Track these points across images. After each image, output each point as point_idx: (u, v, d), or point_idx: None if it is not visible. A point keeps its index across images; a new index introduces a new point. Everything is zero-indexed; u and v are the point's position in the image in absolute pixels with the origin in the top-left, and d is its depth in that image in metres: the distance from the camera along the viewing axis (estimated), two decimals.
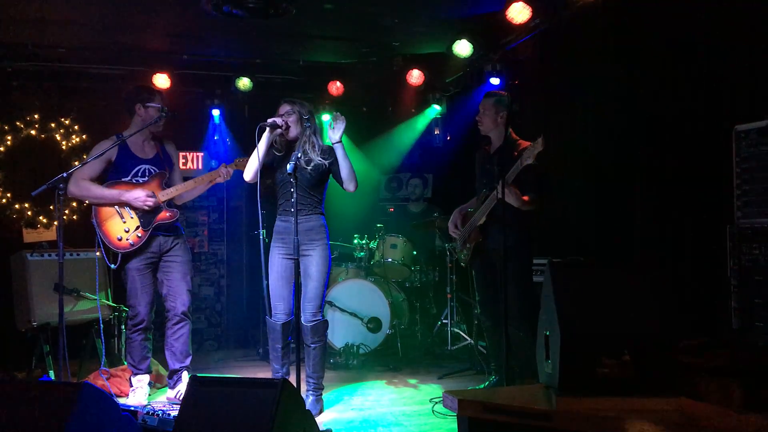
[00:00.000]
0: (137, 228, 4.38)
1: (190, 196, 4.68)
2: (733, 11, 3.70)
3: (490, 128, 4.45)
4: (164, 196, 4.45)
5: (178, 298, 4.52)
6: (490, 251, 4.35)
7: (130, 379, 4.55)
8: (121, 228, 4.36)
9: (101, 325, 4.77)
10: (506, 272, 3.82)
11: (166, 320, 4.58)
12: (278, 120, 4.14)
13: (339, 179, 4.26)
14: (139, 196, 4.32)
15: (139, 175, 4.46)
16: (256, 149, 4.11)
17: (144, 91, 4.52)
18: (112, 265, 4.37)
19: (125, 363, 5.03)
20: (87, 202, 4.54)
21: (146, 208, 4.34)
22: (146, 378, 4.51)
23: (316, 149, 4.21)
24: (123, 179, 4.42)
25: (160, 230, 4.47)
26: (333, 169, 4.25)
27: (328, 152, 4.24)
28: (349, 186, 4.23)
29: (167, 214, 4.47)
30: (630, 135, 4.51)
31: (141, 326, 4.44)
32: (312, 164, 4.16)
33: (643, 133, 4.39)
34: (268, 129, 4.10)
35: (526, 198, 4.13)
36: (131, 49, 6.12)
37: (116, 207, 4.38)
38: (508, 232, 4.18)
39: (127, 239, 4.36)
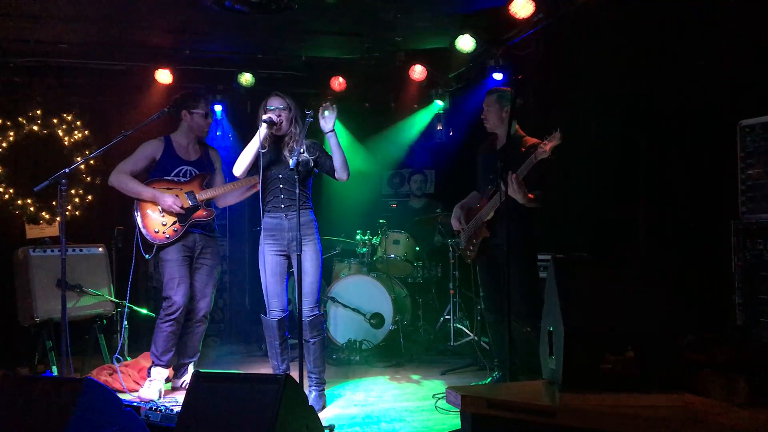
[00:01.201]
0: (174, 223, 4.52)
1: (233, 198, 4.80)
2: (736, 6, 3.68)
3: (497, 125, 4.41)
4: (203, 195, 4.60)
5: (202, 301, 4.68)
6: (496, 247, 4.32)
7: (149, 369, 4.58)
8: (159, 222, 4.51)
9: (124, 322, 4.85)
10: (509, 268, 3.80)
11: (186, 318, 4.67)
12: (274, 117, 4.13)
13: (330, 170, 4.25)
14: (166, 200, 4.46)
15: (181, 175, 4.63)
16: (248, 145, 4.14)
17: (189, 98, 4.69)
18: (147, 255, 4.49)
19: (128, 359, 5.04)
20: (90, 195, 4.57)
21: (172, 212, 4.49)
22: (165, 372, 4.54)
23: (305, 145, 4.19)
24: (165, 177, 4.59)
25: (197, 228, 4.62)
26: (319, 161, 4.25)
27: (313, 147, 4.25)
28: (342, 175, 4.24)
29: (204, 213, 4.61)
30: (633, 130, 4.49)
31: (174, 316, 4.49)
32: (304, 161, 4.14)
33: (647, 129, 4.38)
34: (266, 126, 4.09)
35: (531, 196, 4.10)
36: (133, 45, 6.11)
37: None
38: (514, 227, 4.16)
39: (163, 232, 4.50)
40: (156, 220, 4.52)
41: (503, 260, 4.16)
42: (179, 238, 4.53)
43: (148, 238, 4.50)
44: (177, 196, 4.53)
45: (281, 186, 4.20)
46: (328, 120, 4.11)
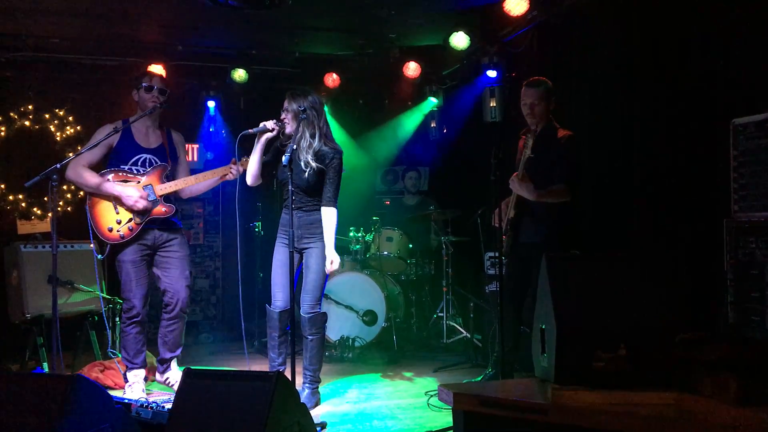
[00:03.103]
0: (130, 220, 4.26)
1: (197, 190, 4.54)
2: (731, 4, 3.68)
3: (543, 119, 4.15)
4: (162, 190, 4.32)
5: (177, 295, 4.45)
6: (521, 245, 4.21)
7: (125, 373, 4.47)
8: (113, 219, 4.25)
9: (108, 317, 4.78)
10: (505, 264, 3.78)
11: (163, 313, 4.53)
12: (269, 124, 4.08)
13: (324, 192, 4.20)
14: (131, 194, 4.21)
15: (139, 164, 4.34)
16: (252, 154, 4.12)
17: (141, 76, 4.43)
18: (99, 255, 4.29)
19: (119, 355, 5.01)
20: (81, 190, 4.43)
21: (136, 209, 4.24)
22: (142, 372, 4.45)
23: (313, 149, 4.09)
24: (122, 167, 4.30)
25: (155, 224, 4.35)
26: (326, 174, 4.15)
27: (323, 157, 4.11)
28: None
29: (163, 209, 4.34)
30: (627, 128, 4.49)
31: (136, 319, 4.35)
32: (309, 168, 4.08)
33: (640, 126, 4.38)
34: (259, 133, 4.08)
35: (557, 189, 4.00)
36: (126, 40, 6.09)
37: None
38: (539, 227, 4.11)
39: (117, 231, 4.25)
40: (109, 217, 4.24)
41: (527, 260, 4.13)
42: (136, 237, 4.28)
43: (100, 237, 4.22)
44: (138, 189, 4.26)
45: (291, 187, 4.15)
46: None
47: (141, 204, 4.22)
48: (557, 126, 4.20)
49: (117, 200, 4.25)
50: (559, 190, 4.02)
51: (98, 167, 4.31)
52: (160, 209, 4.34)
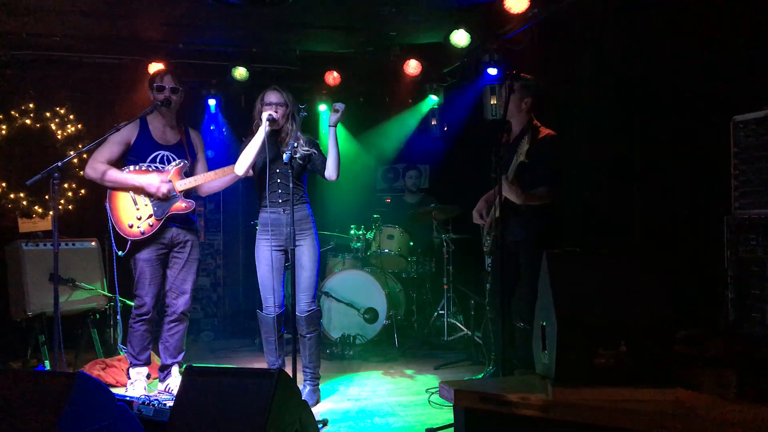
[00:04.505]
0: (150, 216, 4.25)
1: (217, 186, 4.53)
2: (731, 1, 3.68)
3: (513, 113, 4.25)
4: (182, 185, 4.31)
5: (181, 298, 4.43)
6: (508, 244, 4.20)
7: (128, 370, 4.46)
8: (134, 215, 4.24)
9: (119, 315, 4.75)
10: (504, 264, 3.78)
11: (164, 315, 4.50)
12: (273, 114, 4.09)
13: (321, 167, 4.20)
14: (152, 181, 4.19)
15: (158, 161, 4.33)
16: (249, 143, 4.08)
17: (153, 77, 4.42)
18: (120, 252, 4.24)
19: (121, 353, 5.01)
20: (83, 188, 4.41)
21: (160, 195, 4.22)
22: (145, 370, 4.44)
23: (302, 140, 4.18)
24: (141, 164, 4.29)
25: (175, 221, 4.34)
26: (313, 157, 4.22)
27: (309, 143, 4.23)
28: (332, 174, 4.16)
29: (183, 205, 4.33)
30: (628, 125, 4.49)
31: (146, 317, 4.33)
32: (298, 155, 4.13)
33: (641, 123, 4.38)
34: (267, 123, 4.05)
35: (539, 193, 4.02)
36: (126, 38, 6.08)
37: (131, 193, 4.26)
38: (526, 225, 4.12)
39: (138, 227, 4.23)
40: (130, 214, 4.24)
41: (515, 257, 4.15)
42: (155, 234, 4.27)
43: (121, 233, 4.22)
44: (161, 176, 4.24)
45: (278, 181, 4.16)
46: (337, 115, 4.06)
47: (165, 187, 4.21)
48: (538, 125, 4.22)
49: (140, 191, 4.23)
50: (541, 194, 4.06)
51: (117, 165, 4.31)
52: (180, 205, 4.34)
